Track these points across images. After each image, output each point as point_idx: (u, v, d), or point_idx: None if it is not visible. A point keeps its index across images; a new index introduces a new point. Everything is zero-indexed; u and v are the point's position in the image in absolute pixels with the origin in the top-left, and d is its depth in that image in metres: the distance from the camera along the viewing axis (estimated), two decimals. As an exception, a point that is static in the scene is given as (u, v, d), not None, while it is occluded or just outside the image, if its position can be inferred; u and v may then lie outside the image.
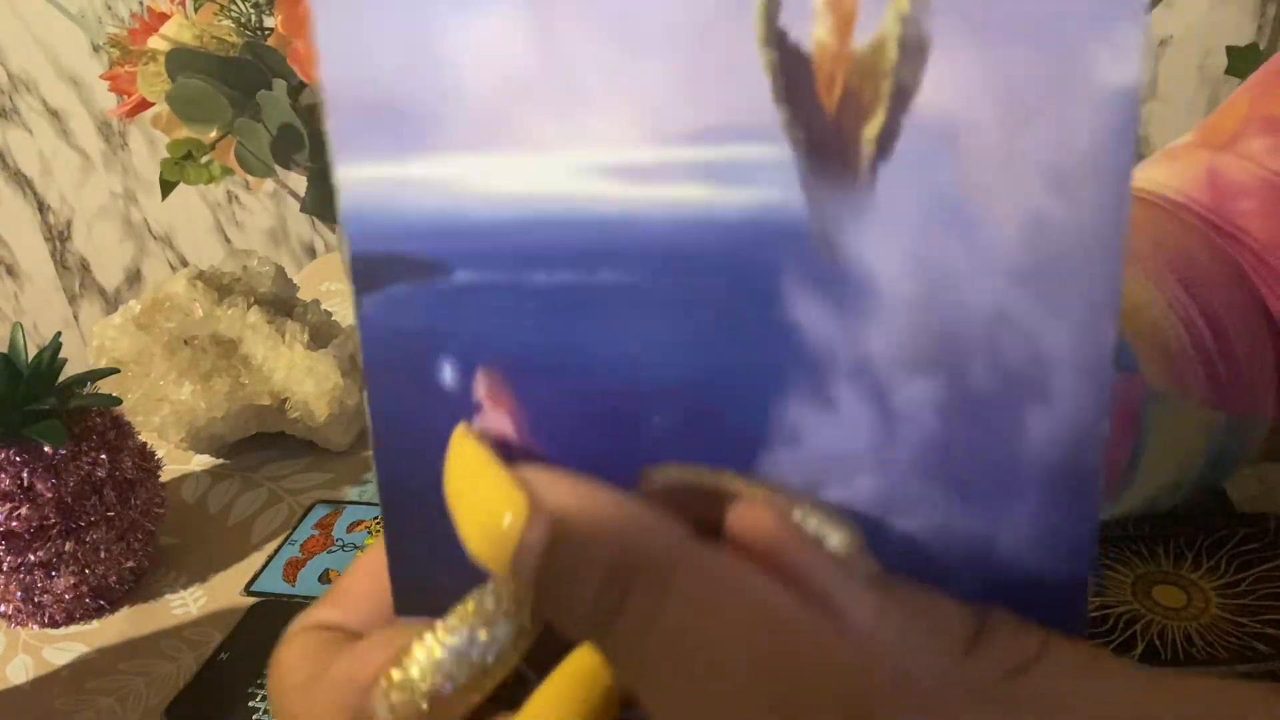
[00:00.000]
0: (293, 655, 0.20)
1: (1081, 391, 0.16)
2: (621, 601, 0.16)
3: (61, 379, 0.52)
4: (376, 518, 0.59)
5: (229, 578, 0.56)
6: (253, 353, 0.64)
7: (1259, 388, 0.39)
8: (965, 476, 0.17)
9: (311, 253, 1.21)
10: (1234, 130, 0.40)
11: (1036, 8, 0.14)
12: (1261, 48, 0.83)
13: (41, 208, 1.19)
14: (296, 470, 0.64)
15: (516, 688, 0.18)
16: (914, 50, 0.15)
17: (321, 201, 0.60)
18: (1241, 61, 0.79)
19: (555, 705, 0.17)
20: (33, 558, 0.52)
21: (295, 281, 0.70)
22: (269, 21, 0.60)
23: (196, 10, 0.60)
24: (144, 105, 0.61)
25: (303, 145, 0.57)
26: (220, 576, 0.56)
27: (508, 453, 0.17)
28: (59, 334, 0.54)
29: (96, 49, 1.07)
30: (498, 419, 0.18)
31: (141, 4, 1.03)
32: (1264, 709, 0.14)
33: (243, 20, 0.60)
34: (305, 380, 0.63)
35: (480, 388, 0.18)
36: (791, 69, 0.16)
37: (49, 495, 0.51)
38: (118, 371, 0.59)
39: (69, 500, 0.52)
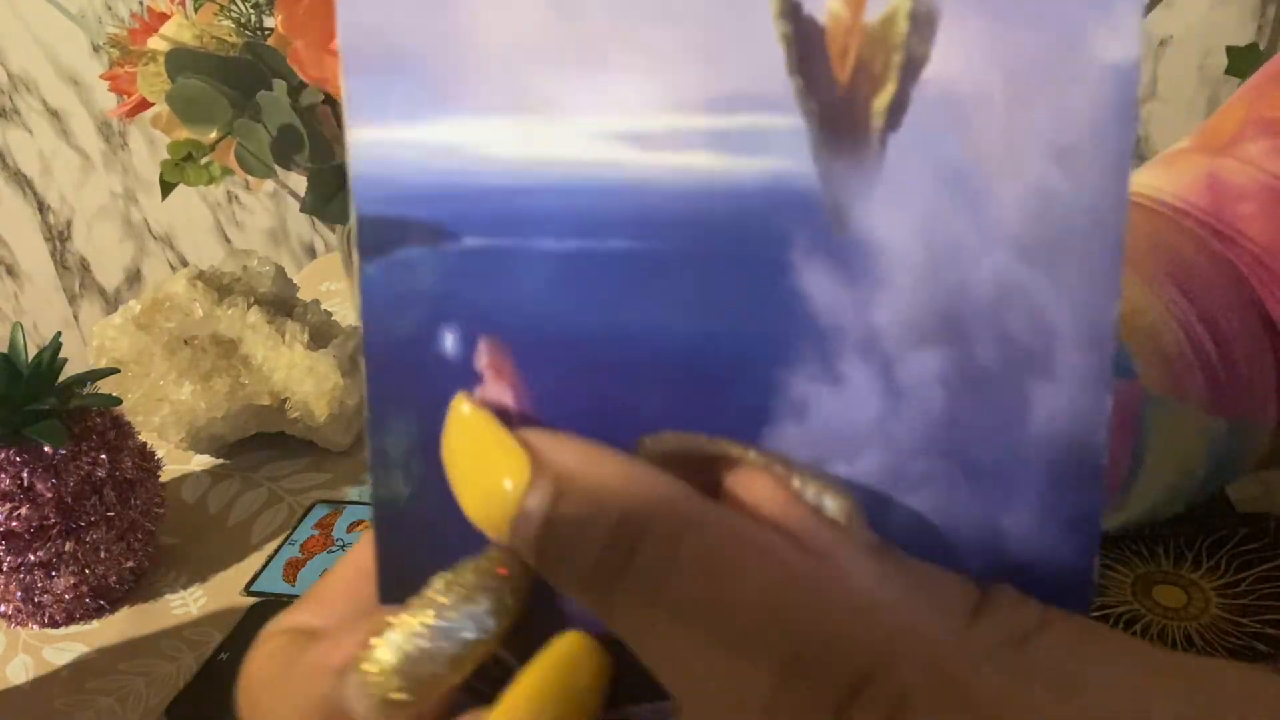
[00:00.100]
0: (263, 657, 0.20)
1: (1085, 367, 0.16)
2: (628, 560, 0.16)
3: (61, 379, 0.52)
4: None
5: (229, 578, 0.56)
6: (253, 353, 0.64)
7: (1259, 392, 0.39)
8: (971, 453, 0.17)
9: (311, 253, 1.21)
10: (1232, 134, 0.40)
11: None
12: (1261, 48, 0.83)
13: (41, 208, 1.19)
14: (296, 470, 0.64)
15: (498, 675, 0.18)
16: (924, 23, 0.15)
17: (321, 201, 0.60)
18: (1241, 61, 0.79)
19: (538, 693, 0.17)
20: (33, 558, 0.52)
21: (295, 281, 0.70)
22: (269, 21, 0.60)
23: (196, 10, 0.60)
24: (144, 105, 0.61)
25: (303, 145, 0.57)
26: (220, 576, 0.56)
27: (508, 424, 0.17)
28: (59, 334, 0.54)
29: (96, 49, 1.07)
30: (498, 390, 0.18)
31: (141, 4, 1.03)
32: (1261, 689, 0.14)
33: (243, 20, 0.60)
34: (305, 380, 0.63)
35: (482, 357, 0.18)
36: (805, 40, 0.16)
37: (49, 495, 0.51)
38: (118, 371, 0.59)
39: (69, 500, 0.52)
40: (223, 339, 0.64)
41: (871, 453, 0.17)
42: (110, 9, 1.06)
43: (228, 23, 0.60)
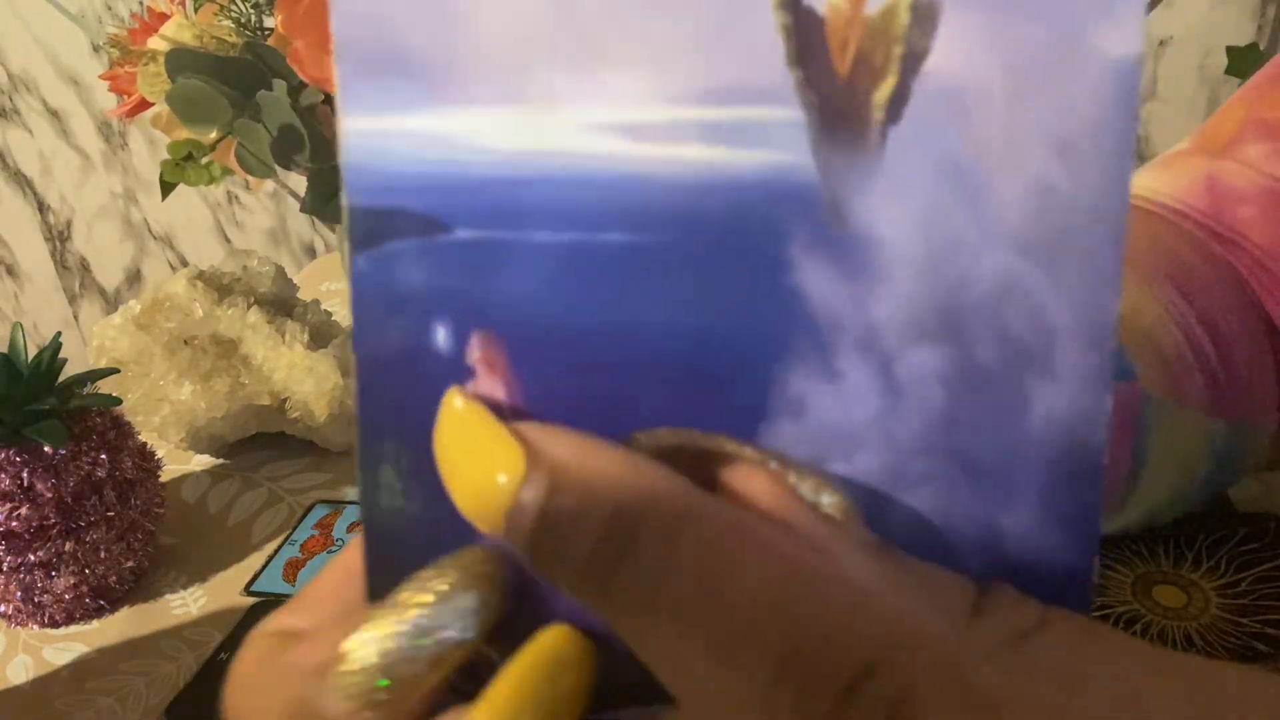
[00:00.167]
0: (248, 659, 0.19)
1: (1085, 366, 0.16)
2: (624, 553, 0.15)
3: (61, 379, 0.52)
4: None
5: (229, 578, 0.56)
6: (253, 353, 0.64)
7: (1259, 394, 0.39)
8: (970, 453, 0.16)
9: (311, 253, 1.21)
10: (1231, 136, 0.40)
11: None
12: (1261, 48, 0.83)
13: (41, 208, 1.19)
14: (296, 470, 0.64)
15: (481, 671, 0.18)
16: (926, 16, 0.15)
17: (321, 201, 0.60)
18: (1241, 61, 0.79)
19: (521, 689, 0.17)
20: (33, 558, 0.52)
21: (295, 281, 0.70)
22: (269, 21, 0.60)
23: (196, 10, 0.60)
24: (144, 105, 0.61)
25: (303, 145, 0.57)
26: (220, 576, 0.56)
27: (500, 420, 0.17)
28: (59, 334, 0.54)
29: (96, 49, 1.07)
30: (491, 385, 0.17)
31: (141, 4, 1.03)
32: (1261, 689, 0.14)
33: (243, 20, 0.60)
34: (305, 380, 0.63)
35: (474, 352, 0.17)
36: (805, 32, 0.16)
37: (49, 495, 0.51)
38: (118, 371, 0.59)
39: (69, 500, 0.52)
40: (223, 339, 0.64)
41: (870, 451, 0.17)
42: (110, 9, 1.06)
43: (228, 23, 0.60)
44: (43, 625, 0.54)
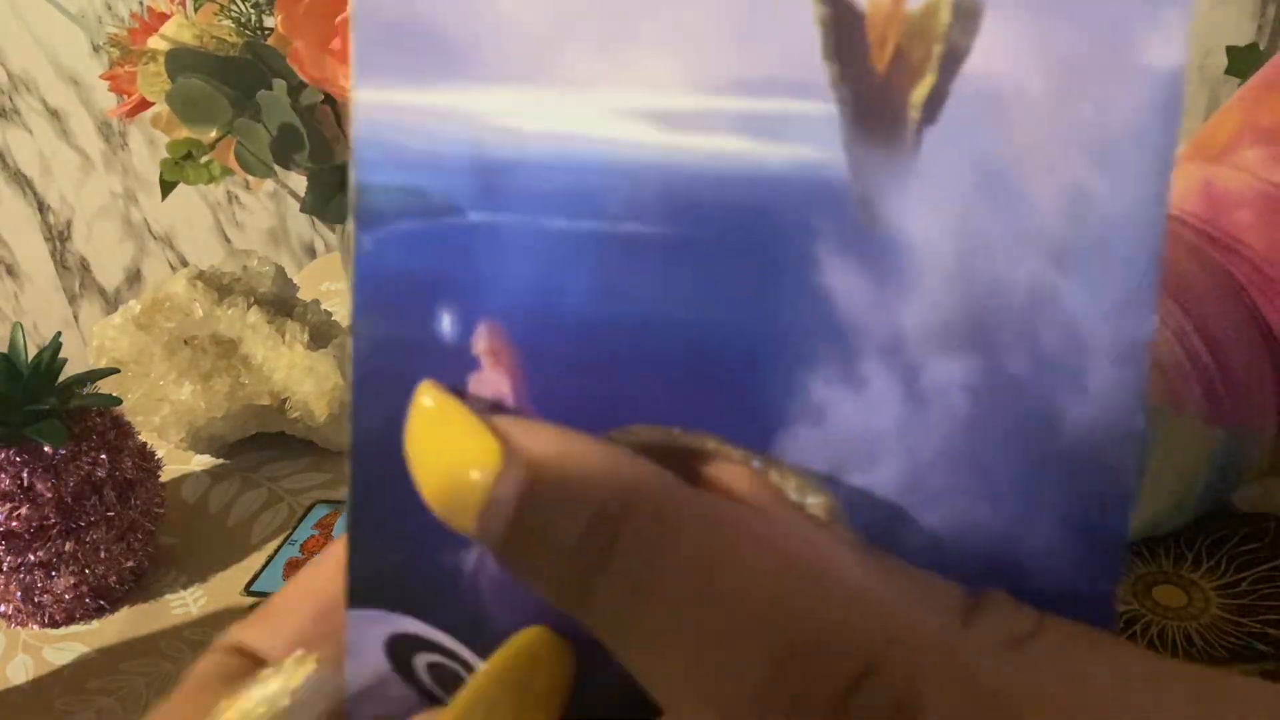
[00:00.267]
0: (191, 683, 0.19)
1: (1116, 381, 0.15)
2: (608, 549, 0.15)
3: (61, 379, 0.52)
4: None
5: (229, 578, 0.56)
6: (253, 353, 0.64)
7: (1257, 401, 0.39)
8: (993, 469, 0.16)
9: (311, 253, 1.21)
10: (1227, 142, 0.40)
11: None
12: (1261, 48, 0.83)
13: (41, 208, 1.19)
14: (296, 470, 0.64)
15: (451, 674, 0.17)
16: (967, 15, 0.15)
17: (321, 201, 0.60)
18: (1241, 61, 0.79)
19: (493, 693, 0.16)
20: (33, 558, 0.52)
21: (295, 281, 0.70)
22: (269, 21, 0.60)
23: (196, 10, 0.60)
24: (144, 105, 0.61)
25: (303, 145, 0.57)
26: (220, 576, 0.56)
27: (482, 412, 0.16)
28: (59, 334, 0.54)
29: (96, 49, 1.07)
30: (495, 378, 0.17)
31: (141, 4, 1.03)
32: (1267, 698, 0.14)
33: (243, 20, 0.60)
34: (305, 380, 0.63)
35: (480, 341, 0.16)
36: (843, 26, 0.15)
37: (49, 495, 0.51)
38: (118, 371, 0.59)
39: (69, 500, 0.52)
40: (223, 339, 0.64)
41: (890, 463, 0.16)
42: (110, 9, 1.06)
43: (228, 23, 0.60)
44: (43, 625, 0.54)
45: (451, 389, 0.16)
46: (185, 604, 0.55)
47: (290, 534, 0.58)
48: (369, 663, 0.18)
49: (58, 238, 1.21)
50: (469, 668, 0.17)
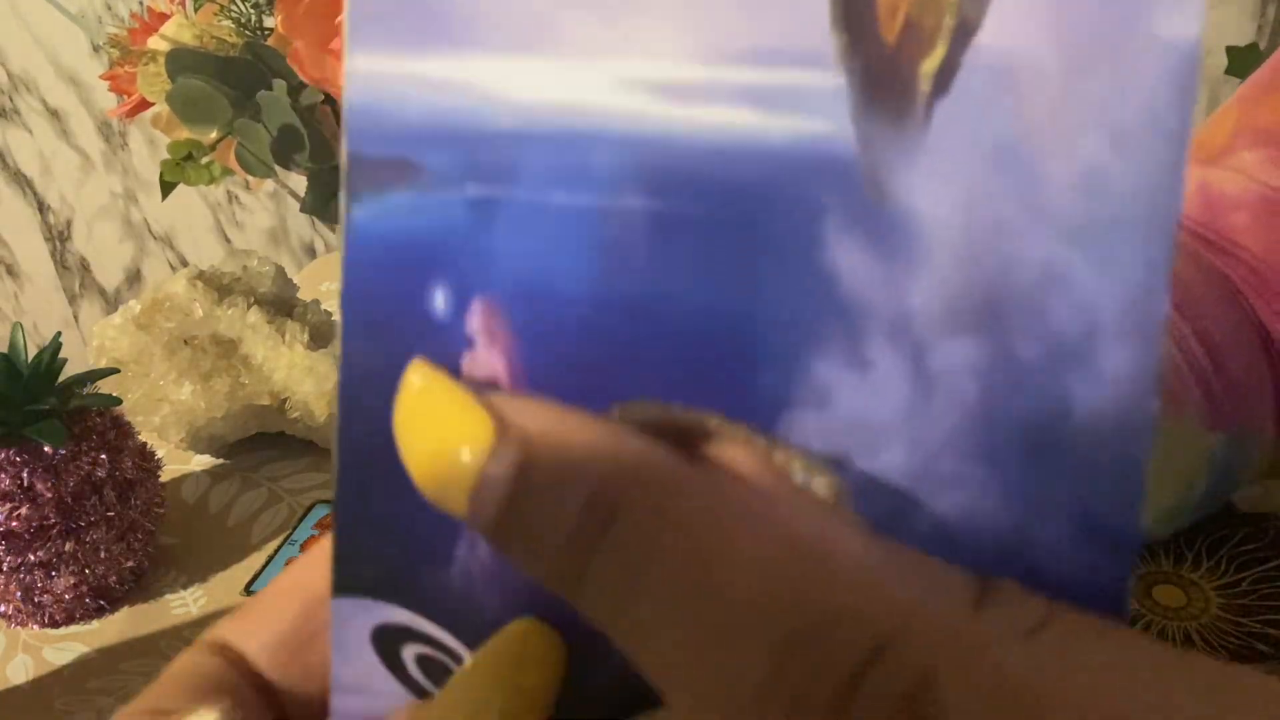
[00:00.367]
0: (166, 681, 0.18)
1: (1130, 364, 0.15)
2: (604, 530, 0.14)
3: (61, 379, 0.52)
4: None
5: (229, 578, 0.56)
6: (253, 353, 0.64)
7: (1256, 404, 0.39)
8: (1002, 453, 0.15)
9: (311, 253, 1.21)
10: (1223, 144, 0.40)
11: None
12: (1261, 48, 0.83)
13: (41, 208, 1.19)
14: (296, 470, 0.64)
15: (440, 666, 0.17)
16: None
17: (321, 201, 0.60)
18: (1241, 61, 0.79)
19: (481, 685, 0.16)
20: (33, 558, 0.52)
21: (295, 281, 0.70)
22: (269, 21, 0.60)
23: (196, 10, 0.60)
24: (144, 105, 0.61)
25: (303, 145, 0.57)
26: (220, 576, 0.56)
27: (469, 388, 0.16)
28: (59, 334, 0.54)
29: (96, 49, 1.07)
30: (490, 358, 0.16)
31: (141, 4, 1.03)
32: (1276, 697, 0.14)
33: (243, 20, 0.60)
34: (305, 380, 0.63)
35: (475, 320, 0.16)
36: None
37: (49, 495, 0.51)
38: (118, 371, 0.59)
39: (69, 500, 0.52)
40: (223, 339, 0.64)
41: (896, 448, 0.15)
42: (110, 9, 1.06)
43: (228, 23, 0.60)
44: (43, 625, 0.54)
45: (444, 369, 0.16)
46: (185, 604, 0.55)
47: (290, 534, 0.58)
48: (354, 654, 0.17)
49: (58, 238, 1.21)
50: (459, 660, 0.17)
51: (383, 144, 0.16)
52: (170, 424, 0.63)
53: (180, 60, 0.56)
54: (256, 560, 0.57)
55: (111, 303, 1.24)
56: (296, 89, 0.56)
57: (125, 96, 0.61)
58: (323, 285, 0.91)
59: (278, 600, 0.19)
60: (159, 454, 0.58)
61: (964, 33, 0.14)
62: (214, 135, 0.58)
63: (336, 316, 0.75)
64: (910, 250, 0.15)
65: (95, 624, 0.54)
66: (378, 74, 0.15)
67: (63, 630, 0.54)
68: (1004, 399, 0.15)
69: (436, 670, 0.17)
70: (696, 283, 0.15)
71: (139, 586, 0.56)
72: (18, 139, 1.15)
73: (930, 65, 0.15)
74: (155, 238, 1.21)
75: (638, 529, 0.14)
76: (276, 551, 0.57)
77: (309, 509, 0.60)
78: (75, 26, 0.97)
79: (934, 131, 0.15)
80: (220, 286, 0.65)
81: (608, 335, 0.16)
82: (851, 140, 0.15)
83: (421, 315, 0.16)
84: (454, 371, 0.16)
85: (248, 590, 0.55)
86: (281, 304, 0.67)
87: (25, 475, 0.50)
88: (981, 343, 0.15)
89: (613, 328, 0.16)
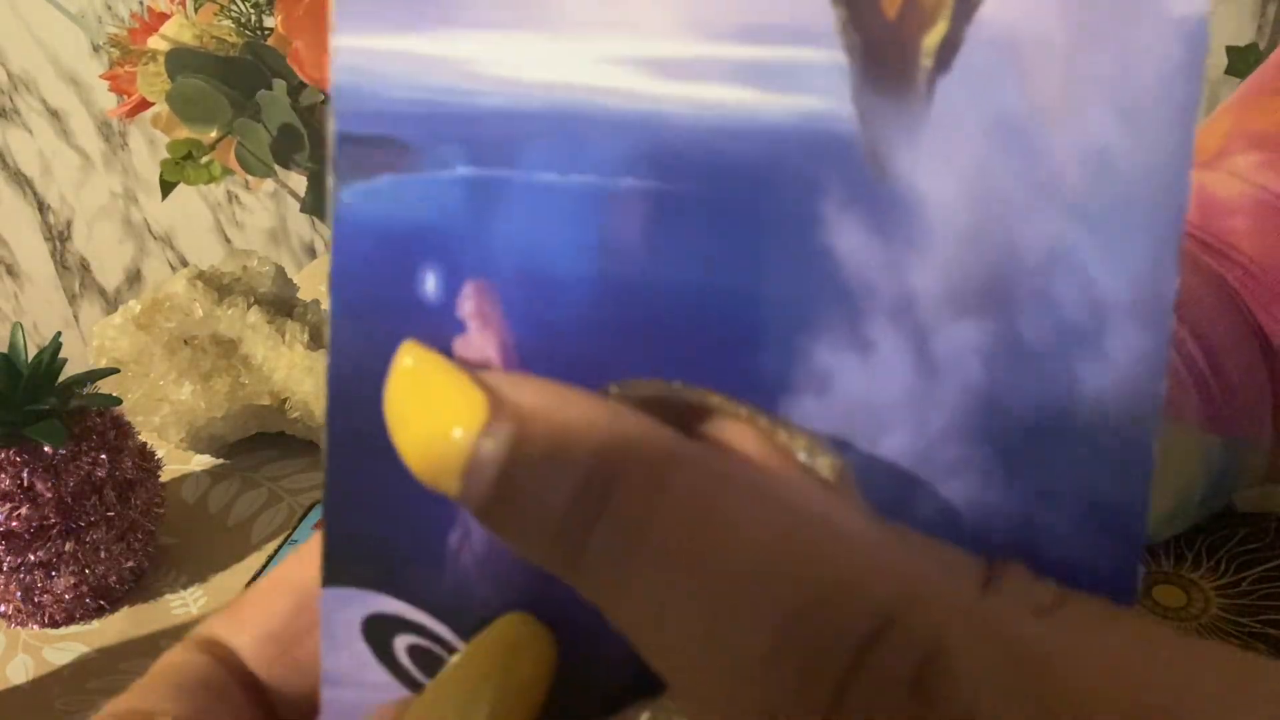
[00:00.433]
0: (153, 676, 0.18)
1: (1138, 346, 0.14)
2: (601, 507, 0.14)
3: (61, 379, 0.52)
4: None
5: (229, 578, 0.56)
6: (253, 353, 0.64)
7: (1253, 408, 0.39)
8: (1008, 439, 0.15)
9: (311, 253, 1.21)
10: (1219, 147, 0.40)
11: None
12: (1261, 47, 0.83)
13: (41, 208, 1.19)
14: (296, 470, 0.64)
15: (432, 659, 0.16)
16: None
17: (322, 201, 0.60)
18: (1241, 61, 0.79)
19: (469, 680, 0.15)
20: (33, 558, 0.52)
21: (295, 281, 0.70)
22: (269, 21, 0.60)
23: (196, 10, 0.60)
24: (144, 105, 0.61)
25: (303, 145, 0.57)
26: (220, 576, 0.56)
27: (460, 365, 0.15)
28: (59, 334, 0.54)
29: (96, 49, 1.07)
30: (483, 341, 0.16)
31: (141, 4, 1.03)
32: None
33: (243, 20, 0.60)
34: (305, 380, 0.63)
35: (467, 303, 0.16)
36: None
37: (49, 495, 0.51)
38: (118, 371, 0.59)
39: (69, 500, 0.52)
40: (223, 339, 0.64)
41: (899, 433, 0.15)
42: (110, 9, 1.06)
43: (228, 23, 0.60)
44: (43, 625, 0.54)
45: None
46: (185, 604, 0.55)
47: (290, 534, 0.58)
48: (345, 645, 0.17)
49: (58, 238, 1.21)
50: (451, 649, 0.17)
51: (370, 124, 0.15)
52: (170, 424, 0.63)
53: (180, 60, 0.56)
54: (256, 560, 0.57)
55: (111, 303, 1.24)
56: (296, 89, 0.56)
57: (125, 96, 0.61)
58: (323, 285, 0.91)
59: (268, 596, 0.19)
60: (159, 454, 0.58)
61: (967, 6, 0.14)
62: (214, 135, 0.58)
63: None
64: (912, 230, 0.15)
65: (95, 624, 0.54)
66: (365, 52, 0.15)
67: (63, 630, 0.54)
68: (1009, 382, 0.15)
69: (429, 660, 0.17)
70: (694, 263, 0.15)
71: (139, 586, 0.56)
72: (18, 139, 1.15)
73: (932, 40, 0.14)
74: (155, 238, 1.21)
75: (634, 504, 0.14)
76: (276, 552, 0.57)
77: (309, 509, 0.60)
78: (75, 26, 0.97)
79: (936, 108, 0.14)
80: (220, 286, 0.65)
81: (603, 317, 0.15)
82: (852, 118, 0.15)
83: (412, 299, 0.16)
84: (446, 355, 0.16)
85: (248, 590, 0.55)
86: (281, 304, 0.67)
87: (25, 475, 0.50)
88: (986, 324, 0.15)
89: (608, 310, 0.15)
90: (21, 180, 1.18)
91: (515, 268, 0.15)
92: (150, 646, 0.52)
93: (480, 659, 0.16)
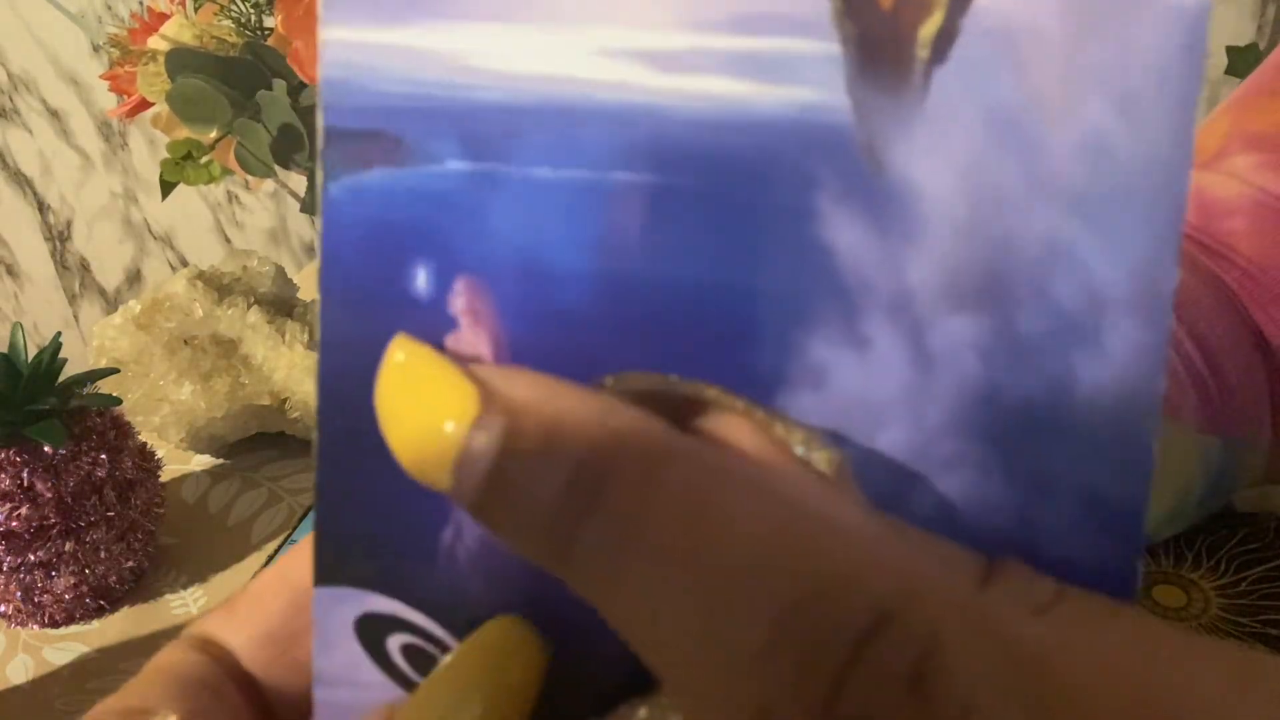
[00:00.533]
0: (147, 674, 0.18)
1: (1137, 341, 0.14)
2: (594, 502, 0.14)
3: (61, 379, 0.52)
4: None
5: (229, 578, 0.56)
6: (253, 353, 0.64)
7: (1252, 409, 0.39)
8: (1005, 435, 0.15)
9: (311, 253, 1.21)
10: (1217, 148, 0.40)
11: None
12: (1261, 47, 0.83)
13: (41, 208, 1.19)
14: (296, 470, 0.64)
15: (426, 659, 0.16)
16: None
17: (321, 201, 0.60)
18: (1241, 61, 0.79)
19: (458, 683, 0.15)
20: (33, 558, 0.52)
21: (295, 281, 0.70)
22: (269, 21, 0.60)
23: (196, 10, 0.60)
24: (144, 105, 0.61)
25: (303, 145, 0.57)
26: (220, 576, 0.56)
27: (451, 359, 0.15)
28: (59, 334, 0.54)
29: (96, 49, 1.07)
30: (475, 337, 0.15)
31: (141, 4, 1.03)
32: None
33: (243, 20, 0.60)
34: (305, 380, 0.63)
35: (458, 299, 0.15)
36: None
37: (49, 495, 0.51)
38: (118, 371, 0.59)
39: (69, 500, 0.52)
40: (223, 339, 0.64)
41: (895, 428, 0.15)
42: (110, 9, 1.06)
43: (228, 23, 0.60)
44: (43, 625, 0.54)
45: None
46: (185, 604, 0.55)
47: (290, 534, 0.58)
48: (337, 644, 0.17)
49: (58, 238, 1.21)
50: (445, 649, 0.16)
51: (360, 117, 0.15)
52: (170, 424, 0.63)
53: (180, 60, 0.56)
54: (256, 560, 0.57)
55: (111, 303, 1.24)
56: (296, 89, 0.56)
57: (125, 96, 0.61)
58: (323, 285, 0.91)
59: (264, 594, 0.19)
60: (159, 454, 0.58)
61: None
62: (214, 135, 0.58)
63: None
64: (908, 223, 0.14)
65: (95, 624, 0.54)
66: (354, 45, 0.15)
67: (63, 630, 0.54)
68: (1007, 377, 0.15)
69: (422, 660, 0.17)
70: (689, 257, 0.15)
71: (139, 586, 0.56)
72: (18, 139, 1.15)
73: (928, 31, 0.14)
74: (155, 238, 1.21)
75: (628, 499, 0.14)
76: (276, 552, 0.57)
77: (309, 509, 0.60)
78: (75, 26, 0.97)
79: (932, 100, 0.14)
80: (220, 286, 0.65)
81: (597, 313, 0.15)
82: (846, 110, 0.14)
83: (403, 295, 0.15)
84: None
85: (248, 590, 0.55)
86: (281, 304, 0.67)
87: (25, 475, 0.50)
88: (983, 319, 0.15)
89: (602, 305, 0.15)
90: (21, 180, 1.18)
91: (509, 262, 0.15)
92: (150, 647, 0.52)
93: (470, 663, 0.16)
